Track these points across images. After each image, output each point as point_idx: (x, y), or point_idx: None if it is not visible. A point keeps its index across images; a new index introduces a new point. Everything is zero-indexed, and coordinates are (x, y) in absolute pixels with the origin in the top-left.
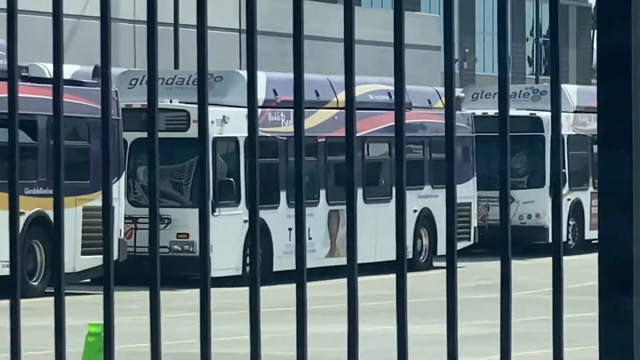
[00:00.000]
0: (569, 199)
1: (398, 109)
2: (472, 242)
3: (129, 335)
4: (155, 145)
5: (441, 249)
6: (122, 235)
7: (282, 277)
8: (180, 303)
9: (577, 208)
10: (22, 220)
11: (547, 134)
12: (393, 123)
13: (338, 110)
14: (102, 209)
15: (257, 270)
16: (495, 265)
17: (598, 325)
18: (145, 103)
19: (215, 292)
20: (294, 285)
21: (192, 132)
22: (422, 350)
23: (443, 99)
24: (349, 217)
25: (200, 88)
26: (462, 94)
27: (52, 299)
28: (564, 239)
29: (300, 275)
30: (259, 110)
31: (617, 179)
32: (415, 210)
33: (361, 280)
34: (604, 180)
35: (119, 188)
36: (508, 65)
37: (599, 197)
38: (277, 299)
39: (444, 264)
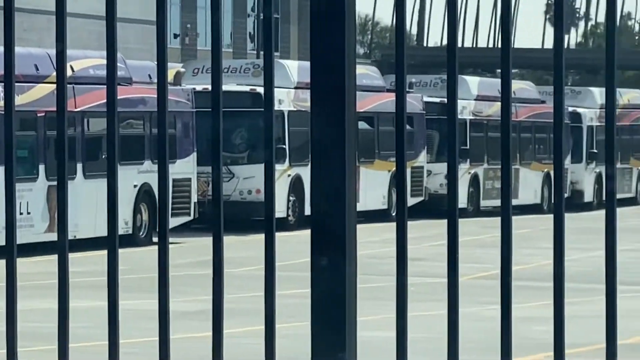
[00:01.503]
0: (289, 175)
1: (110, 83)
2: (192, 217)
3: None
4: None
5: None
6: None
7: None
8: None
9: (297, 184)
10: None
11: None
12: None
13: None
14: None
15: None
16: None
17: (310, 286)
18: None
19: None
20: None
21: None
22: (138, 325)
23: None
24: (59, 193)
25: None
26: (183, 69)
27: None
28: (284, 214)
29: (10, 251)
30: None
31: (329, 139)
32: (135, 186)
33: (81, 255)
34: (317, 140)
35: None
36: (221, 42)
37: (311, 159)
38: None
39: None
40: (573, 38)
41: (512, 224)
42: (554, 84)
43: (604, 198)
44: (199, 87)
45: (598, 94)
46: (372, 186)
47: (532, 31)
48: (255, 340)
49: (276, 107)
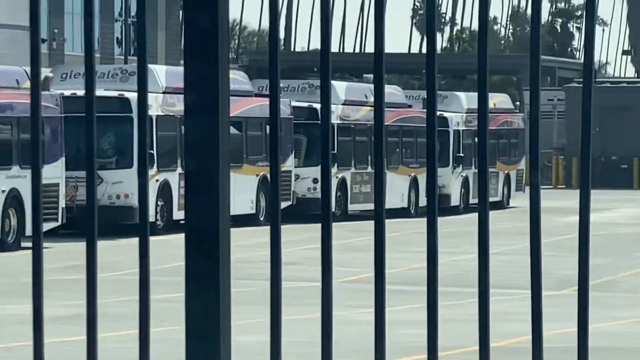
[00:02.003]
0: (157, 180)
1: None
2: (60, 222)
3: None
4: None
5: (30, 229)
6: None
7: None
8: None
9: (165, 189)
10: None
11: (136, 115)
12: None
13: None
14: None
15: None
16: (82, 246)
17: (185, 290)
18: None
19: None
20: None
21: None
22: (9, 330)
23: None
24: None
25: None
26: (51, 74)
27: None
28: (152, 219)
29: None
30: None
31: (204, 146)
32: (3, 191)
33: None
34: (191, 147)
35: None
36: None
37: (185, 163)
38: None
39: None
40: (439, 43)
41: (385, 227)
42: (427, 89)
43: (471, 202)
44: (67, 92)
45: (464, 98)
46: (241, 190)
47: (398, 36)
48: (129, 345)
49: None
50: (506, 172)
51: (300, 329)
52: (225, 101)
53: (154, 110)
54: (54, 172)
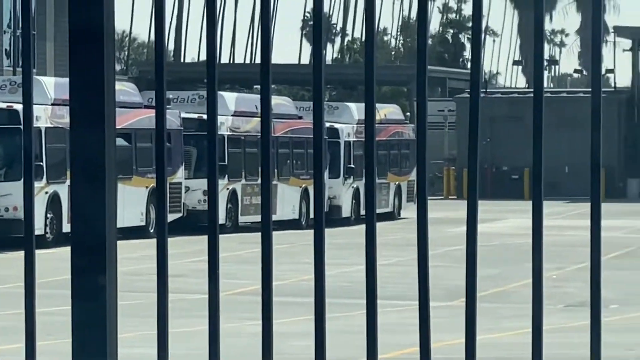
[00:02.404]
0: (46, 192)
1: None
2: None
3: None
4: None
5: None
6: None
7: None
8: None
9: (55, 201)
10: None
11: None
12: None
13: None
14: None
15: None
16: None
17: (71, 304)
18: None
19: None
20: None
21: None
22: None
23: None
24: None
25: None
26: None
27: None
28: (42, 232)
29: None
30: None
31: (89, 158)
32: None
33: None
34: (76, 159)
35: None
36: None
37: (71, 175)
38: None
39: None
40: (330, 53)
41: (272, 240)
42: (313, 98)
43: (361, 213)
44: None
45: (355, 109)
46: (130, 203)
47: (288, 47)
48: (16, 358)
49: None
50: (397, 183)
51: (188, 341)
52: (111, 111)
53: (42, 122)
54: None
